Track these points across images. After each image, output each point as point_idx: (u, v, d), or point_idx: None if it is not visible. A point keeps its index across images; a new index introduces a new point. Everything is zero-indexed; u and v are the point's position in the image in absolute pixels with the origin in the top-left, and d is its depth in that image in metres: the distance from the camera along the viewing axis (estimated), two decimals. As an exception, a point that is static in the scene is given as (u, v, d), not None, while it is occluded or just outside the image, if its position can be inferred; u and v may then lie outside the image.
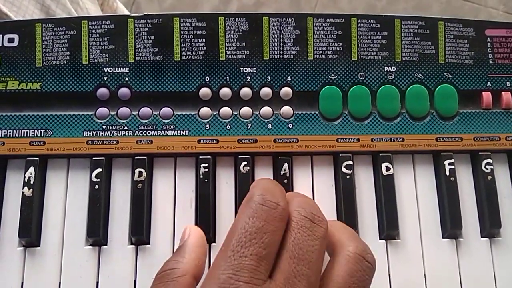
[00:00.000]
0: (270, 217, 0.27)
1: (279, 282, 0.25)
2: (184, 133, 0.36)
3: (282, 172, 0.35)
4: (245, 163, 0.35)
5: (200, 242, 0.30)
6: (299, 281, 0.25)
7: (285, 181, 0.35)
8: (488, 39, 0.38)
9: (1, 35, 0.36)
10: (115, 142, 0.35)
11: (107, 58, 0.36)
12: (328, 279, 0.26)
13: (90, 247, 0.34)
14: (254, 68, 0.37)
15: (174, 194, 0.35)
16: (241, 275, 0.25)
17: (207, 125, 0.36)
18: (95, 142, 0.35)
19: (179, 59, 0.37)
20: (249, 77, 0.37)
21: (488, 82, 0.38)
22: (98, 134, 0.35)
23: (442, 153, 0.36)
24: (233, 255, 0.26)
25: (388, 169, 0.36)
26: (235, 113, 0.36)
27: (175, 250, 0.30)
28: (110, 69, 0.36)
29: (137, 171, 0.35)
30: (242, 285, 0.24)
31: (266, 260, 0.26)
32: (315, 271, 0.26)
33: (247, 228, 0.26)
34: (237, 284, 0.24)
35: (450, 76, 0.38)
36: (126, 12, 0.65)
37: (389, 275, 0.34)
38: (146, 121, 0.36)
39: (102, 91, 0.36)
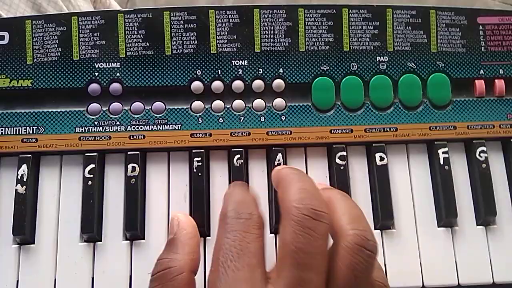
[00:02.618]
0: (247, 227, 0.26)
1: None
2: (176, 127, 0.36)
3: (276, 163, 0.35)
4: (238, 156, 0.35)
5: (192, 233, 0.29)
6: (302, 286, 0.24)
7: (280, 173, 0.35)
8: (480, 27, 0.38)
9: (-9, 33, 0.36)
10: (107, 137, 0.35)
11: (98, 54, 0.36)
12: (329, 274, 0.25)
13: (85, 243, 0.34)
14: (245, 61, 0.37)
15: (167, 188, 0.35)
16: None
17: (199, 119, 0.36)
18: (88, 138, 0.35)
19: (170, 53, 0.36)
20: (241, 70, 0.37)
21: (481, 70, 0.38)
22: (90, 130, 0.35)
23: (436, 142, 0.36)
24: (225, 271, 0.25)
25: (382, 159, 0.36)
26: (228, 106, 0.36)
27: (166, 243, 0.29)
28: (101, 65, 0.36)
29: (130, 166, 0.35)
30: None
31: (259, 268, 0.25)
32: (321, 272, 0.25)
33: (230, 243, 0.26)
34: None
35: (443, 65, 0.37)
36: (118, 7, 0.65)
37: (385, 264, 0.34)
38: (138, 116, 0.36)
39: (94, 86, 0.36)
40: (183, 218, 0.30)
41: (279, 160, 0.35)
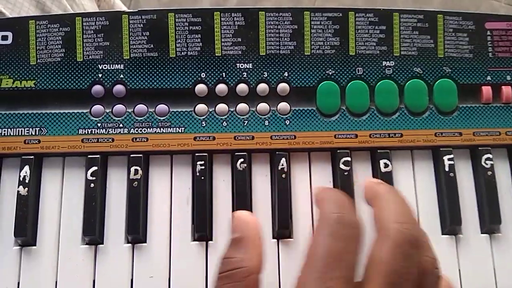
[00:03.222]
0: (350, 237, 0.26)
1: None
2: (180, 130, 0.35)
3: (280, 167, 0.35)
4: (242, 160, 0.35)
5: (260, 234, 0.28)
6: None
7: (283, 175, 0.35)
8: (488, 32, 0.38)
9: (-5, 33, 0.36)
10: (110, 140, 0.35)
11: (101, 55, 0.36)
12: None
13: (86, 246, 0.34)
14: (250, 64, 0.36)
15: (170, 192, 0.35)
16: None
17: (203, 122, 0.36)
18: (90, 140, 0.35)
19: (174, 55, 0.36)
20: (245, 73, 0.36)
21: (488, 76, 0.37)
22: (93, 132, 0.35)
23: (441, 149, 0.36)
24: (321, 277, 0.24)
25: (386, 165, 0.35)
26: (232, 109, 0.36)
27: (231, 239, 0.27)
28: (105, 66, 0.36)
29: (132, 169, 0.35)
30: None
31: (351, 284, 0.25)
32: None
33: (331, 249, 0.25)
34: None
35: (450, 70, 0.37)
36: (124, 9, 0.64)
37: (388, 272, 0.34)
38: (141, 118, 0.36)
39: (97, 88, 0.36)
40: (251, 218, 0.29)
41: (282, 165, 0.35)
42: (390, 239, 0.25)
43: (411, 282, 0.25)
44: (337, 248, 0.25)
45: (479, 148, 0.36)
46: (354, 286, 0.25)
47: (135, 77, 0.36)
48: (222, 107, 0.36)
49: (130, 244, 0.34)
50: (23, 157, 0.35)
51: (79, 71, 0.36)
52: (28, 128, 0.35)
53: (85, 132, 0.35)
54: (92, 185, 0.34)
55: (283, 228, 0.34)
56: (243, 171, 0.35)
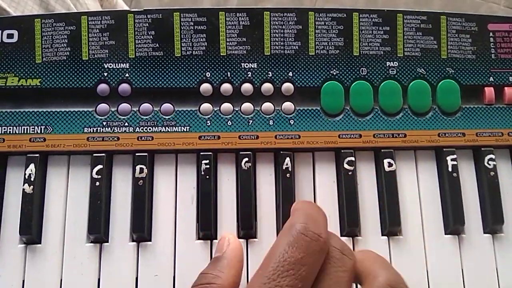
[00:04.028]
0: (310, 249, 0.25)
1: None
2: (185, 129, 0.36)
3: (284, 167, 0.35)
4: (246, 159, 0.35)
5: (240, 257, 0.30)
6: None
7: (288, 175, 0.35)
8: (491, 34, 0.38)
9: (0, 31, 0.36)
10: (115, 138, 0.35)
11: (107, 54, 0.36)
12: None
13: (91, 244, 0.34)
14: (255, 64, 0.37)
15: (175, 190, 0.35)
16: None
17: (208, 121, 0.36)
18: (96, 139, 0.35)
19: (179, 55, 0.36)
20: (250, 73, 0.36)
21: (491, 77, 0.37)
22: (98, 131, 0.35)
23: (444, 149, 0.36)
24: (269, 283, 0.24)
25: (390, 165, 0.36)
26: (236, 109, 0.36)
27: (212, 259, 0.30)
28: (110, 65, 0.36)
29: (138, 167, 0.35)
30: None
31: None
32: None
33: (286, 257, 0.25)
34: None
35: (453, 71, 0.37)
36: (126, 8, 0.65)
37: (391, 271, 0.34)
38: (146, 117, 0.36)
39: (103, 87, 0.36)
40: (234, 240, 0.31)
41: (287, 164, 0.35)
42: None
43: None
44: (292, 257, 0.25)
45: (482, 149, 0.36)
46: None
47: (140, 76, 0.36)
48: (227, 106, 0.36)
49: (135, 243, 0.34)
50: (28, 155, 0.35)
51: (84, 69, 0.36)
52: (33, 126, 0.35)
53: (90, 131, 0.35)
54: (97, 183, 0.34)
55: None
56: (247, 171, 0.35)
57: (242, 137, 0.36)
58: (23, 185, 0.34)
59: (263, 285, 0.25)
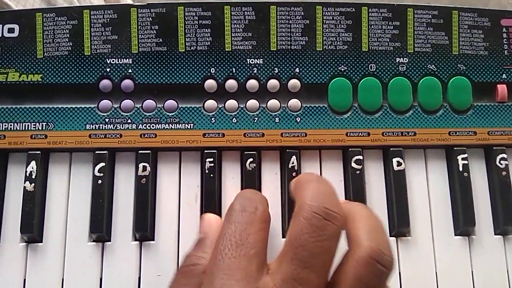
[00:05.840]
0: (250, 220, 0.27)
1: (276, 283, 0.24)
2: (189, 127, 0.35)
3: (290, 165, 0.34)
4: (251, 159, 0.34)
5: None
6: (300, 284, 0.24)
7: (294, 174, 0.34)
8: (504, 29, 0.37)
9: (1, 25, 0.35)
10: (118, 135, 0.34)
11: (109, 49, 0.35)
12: (335, 280, 0.25)
13: (94, 243, 0.34)
14: (261, 59, 0.36)
15: (178, 189, 0.35)
16: (232, 275, 0.25)
17: (212, 118, 0.35)
18: (98, 136, 0.34)
19: (183, 50, 0.35)
20: (255, 69, 0.36)
21: (504, 74, 0.36)
22: (101, 127, 0.35)
23: (455, 148, 0.35)
24: (222, 259, 0.25)
25: (399, 164, 0.35)
26: (241, 106, 0.35)
27: (196, 241, 0.29)
28: (113, 60, 0.35)
29: (141, 165, 0.34)
30: (234, 284, 0.24)
31: (256, 259, 0.25)
32: (321, 274, 0.25)
33: (230, 233, 0.26)
34: (229, 283, 0.24)
35: (464, 68, 0.36)
36: (129, 2, 0.64)
37: (400, 273, 0.33)
38: (150, 114, 0.35)
39: (105, 83, 0.35)
40: (216, 220, 0.31)
41: (293, 163, 0.34)
42: (301, 215, 0.25)
43: (324, 257, 0.24)
44: (236, 231, 0.26)
45: (494, 148, 0.35)
46: (260, 262, 0.25)
47: (143, 71, 0.35)
48: (231, 103, 0.35)
49: (137, 242, 0.34)
50: (29, 152, 0.34)
51: (86, 65, 0.35)
52: (34, 123, 0.34)
53: (92, 128, 0.34)
54: (99, 181, 0.34)
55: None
56: (252, 171, 0.34)
57: (247, 135, 0.35)
58: (24, 182, 0.33)
59: (218, 262, 0.25)
